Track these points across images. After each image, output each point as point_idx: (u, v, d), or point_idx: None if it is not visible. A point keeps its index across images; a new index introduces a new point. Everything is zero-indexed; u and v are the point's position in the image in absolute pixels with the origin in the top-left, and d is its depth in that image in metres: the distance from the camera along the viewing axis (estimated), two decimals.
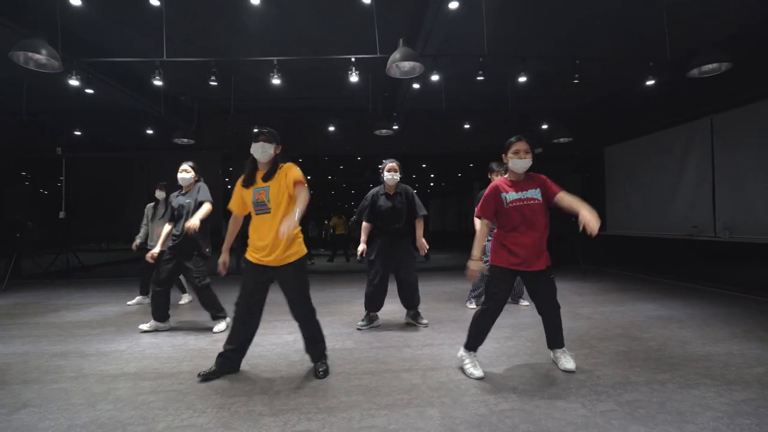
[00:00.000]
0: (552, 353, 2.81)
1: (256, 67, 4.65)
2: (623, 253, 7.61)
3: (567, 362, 2.67)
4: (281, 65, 4.06)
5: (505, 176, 2.76)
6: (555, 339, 2.74)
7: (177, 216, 3.78)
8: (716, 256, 5.65)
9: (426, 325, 3.86)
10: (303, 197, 2.46)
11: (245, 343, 2.73)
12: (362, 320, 3.86)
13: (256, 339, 3.52)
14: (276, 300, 2.77)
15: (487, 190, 2.73)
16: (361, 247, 3.71)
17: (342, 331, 3.78)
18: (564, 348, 2.75)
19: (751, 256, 5.26)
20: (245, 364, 2.87)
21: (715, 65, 4.06)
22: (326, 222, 16.54)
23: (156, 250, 3.87)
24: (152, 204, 5.15)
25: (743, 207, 5.32)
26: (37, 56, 3.62)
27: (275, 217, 2.51)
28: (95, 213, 7.84)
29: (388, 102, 6.68)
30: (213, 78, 4.18)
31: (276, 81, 4.13)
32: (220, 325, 3.84)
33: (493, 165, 4.39)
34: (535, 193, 2.62)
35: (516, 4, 4.03)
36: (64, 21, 3.89)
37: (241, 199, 2.67)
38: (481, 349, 3.01)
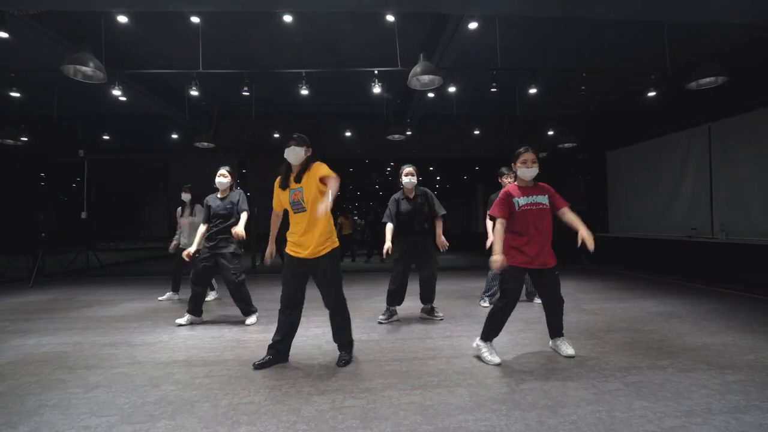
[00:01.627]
0: (552, 342, 3.11)
1: (281, 76, 4.94)
2: (625, 253, 7.91)
3: (567, 348, 2.99)
4: (306, 75, 4.35)
5: (515, 183, 3.02)
6: (556, 328, 3.05)
7: (213, 218, 4.05)
8: (714, 257, 5.95)
9: (441, 319, 4.14)
10: (333, 183, 2.66)
11: (291, 333, 2.99)
12: (383, 314, 4.14)
13: None
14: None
15: (500, 195, 2.99)
16: (387, 245, 3.95)
17: (365, 324, 4.05)
18: (563, 336, 3.06)
19: (747, 256, 5.56)
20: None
21: (711, 78, 4.36)
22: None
23: (192, 249, 4.14)
24: (180, 207, 5.42)
25: (739, 210, 5.63)
26: (84, 69, 3.91)
27: (311, 214, 2.77)
28: (116, 214, 8.11)
29: (400, 108, 6.98)
30: (245, 89, 4.47)
31: (304, 92, 4.42)
32: (252, 318, 4.12)
33: (504, 170, 4.66)
34: (543, 199, 2.91)
35: (527, 21, 4.33)
36: (106, 34, 4.17)
37: (278, 198, 2.96)
38: (496, 340, 3.28)
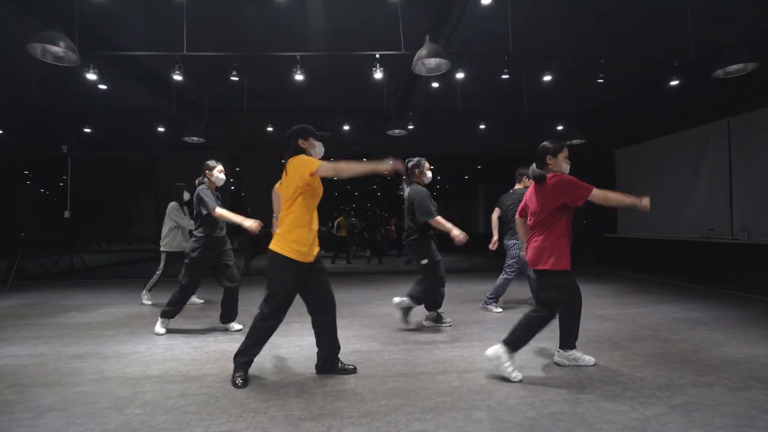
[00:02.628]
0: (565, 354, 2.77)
1: (274, 63, 4.58)
2: (635, 255, 7.57)
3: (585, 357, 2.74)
4: (301, 61, 3.98)
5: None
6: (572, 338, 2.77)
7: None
8: (734, 259, 5.61)
9: (450, 325, 3.80)
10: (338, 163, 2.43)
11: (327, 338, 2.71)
12: (433, 320, 3.82)
13: (279, 341, 3.47)
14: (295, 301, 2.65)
15: (573, 178, 2.58)
16: (457, 231, 3.51)
17: (364, 332, 3.69)
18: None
19: None
20: (273, 367, 2.79)
21: (740, 66, 4.03)
22: (330, 224, 16.44)
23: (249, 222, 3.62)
24: (177, 205, 5.02)
25: (762, 209, 5.30)
26: (54, 48, 3.53)
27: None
28: (102, 212, 7.70)
29: (401, 101, 6.63)
30: (234, 73, 4.11)
31: (299, 77, 4.05)
32: (238, 325, 3.78)
33: (524, 170, 4.29)
34: None
35: (540, 4, 4.00)
36: (80, 14, 3.80)
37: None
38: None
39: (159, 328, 3.71)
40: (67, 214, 7.28)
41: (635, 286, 5.97)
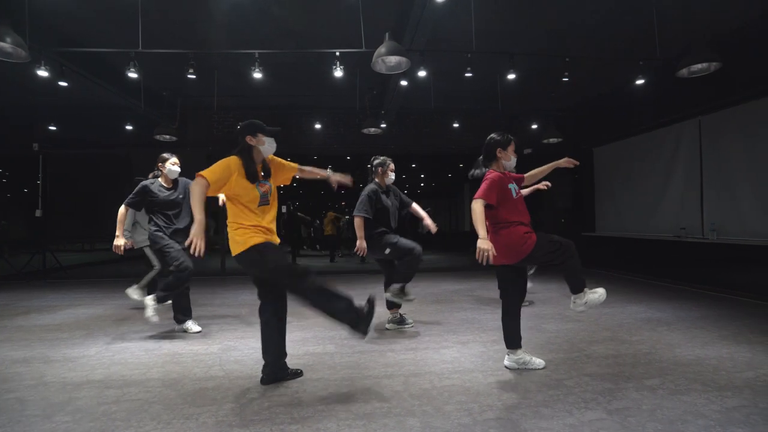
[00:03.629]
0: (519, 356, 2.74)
1: (239, 61, 4.49)
2: (611, 254, 7.59)
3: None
4: (264, 59, 3.90)
5: (495, 170, 2.70)
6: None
7: (162, 208, 3.58)
8: (704, 258, 5.63)
9: (412, 300, 3.67)
10: (310, 167, 2.80)
11: (283, 340, 2.59)
12: (396, 323, 3.76)
13: (234, 343, 3.41)
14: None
15: (492, 176, 2.57)
16: (363, 244, 3.53)
17: (324, 334, 3.63)
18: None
19: (739, 257, 5.25)
20: (219, 370, 2.75)
21: (704, 65, 4.02)
22: (317, 221, 16.41)
23: (122, 242, 3.62)
24: None
25: (731, 209, 5.32)
26: (1, 44, 3.43)
27: (272, 209, 2.58)
28: (73, 211, 7.56)
29: (376, 100, 6.57)
30: (191, 71, 4.01)
31: (257, 75, 3.97)
32: (194, 326, 3.71)
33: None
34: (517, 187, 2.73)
35: (504, 1, 3.95)
36: (31, 8, 3.68)
37: (230, 184, 2.39)
38: (466, 353, 2.95)
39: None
40: (38, 213, 7.14)
41: (608, 286, 5.83)
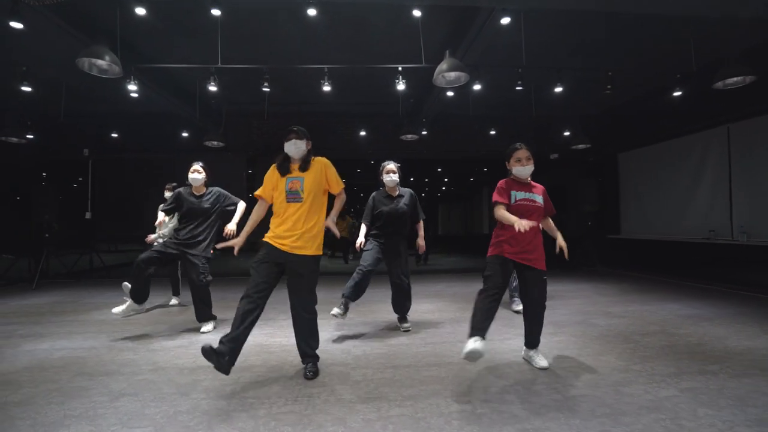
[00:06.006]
0: (525, 351, 2.90)
1: (294, 74, 4.81)
2: (638, 256, 7.84)
3: (541, 360, 2.77)
4: (327, 73, 4.22)
5: (509, 178, 2.84)
6: (534, 339, 2.82)
7: (186, 215, 3.83)
8: (734, 259, 5.88)
9: (408, 330, 3.75)
10: (341, 203, 2.85)
11: (247, 327, 2.55)
12: (339, 308, 3.56)
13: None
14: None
15: (499, 183, 2.80)
16: (360, 240, 3.73)
17: (368, 330, 3.91)
18: (538, 349, 2.84)
19: None
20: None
21: (739, 78, 4.30)
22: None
23: (155, 236, 3.98)
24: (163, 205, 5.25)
25: (761, 212, 5.56)
26: (99, 62, 3.77)
27: (305, 206, 2.64)
28: (121, 214, 7.92)
29: (412, 107, 6.88)
30: (266, 85, 4.34)
31: (327, 88, 4.30)
32: (209, 326, 3.90)
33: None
34: (539, 198, 2.79)
35: (552, 17, 4.25)
36: (121, 29, 4.03)
37: (272, 185, 2.73)
38: (512, 345, 3.00)
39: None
40: (88, 215, 7.50)
41: (639, 285, 6.23)
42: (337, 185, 2.80)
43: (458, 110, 6.79)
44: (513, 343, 3.37)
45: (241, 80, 5.34)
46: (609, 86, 4.77)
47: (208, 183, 3.94)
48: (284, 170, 2.72)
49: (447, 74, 3.93)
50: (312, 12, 3.53)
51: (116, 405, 2.30)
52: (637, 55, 5.13)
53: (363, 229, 3.80)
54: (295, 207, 2.65)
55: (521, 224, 2.37)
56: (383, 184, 3.77)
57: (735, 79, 4.33)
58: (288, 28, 4.25)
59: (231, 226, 3.74)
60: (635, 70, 5.23)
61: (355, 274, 3.64)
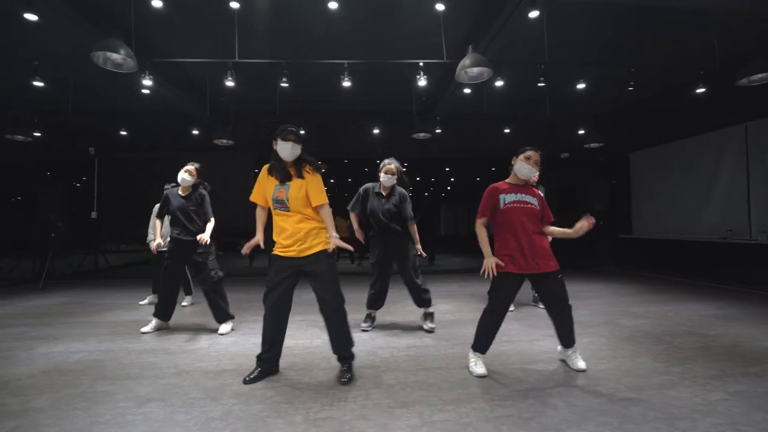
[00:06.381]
0: (562, 351, 2.80)
1: (306, 70, 4.70)
2: (651, 255, 7.76)
3: (579, 361, 2.68)
4: (347, 69, 4.12)
5: (506, 180, 2.75)
6: (568, 338, 2.72)
7: (173, 215, 3.75)
8: (753, 259, 5.81)
9: (431, 331, 3.72)
10: (329, 218, 2.62)
11: (279, 340, 2.70)
12: (365, 322, 3.79)
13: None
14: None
15: (485, 192, 2.71)
16: (357, 229, 3.72)
17: (412, 330, 3.83)
18: (575, 347, 2.74)
19: None
20: (325, 362, 2.86)
21: (765, 74, 4.23)
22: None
23: (156, 243, 3.88)
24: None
25: None
26: (114, 56, 3.67)
27: (294, 215, 2.56)
28: (125, 214, 7.81)
29: (424, 105, 6.80)
30: (284, 80, 4.24)
31: (346, 83, 4.21)
32: (227, 326, 3.80)
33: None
34: (533, 200, 2.64)
35: (574, 12, 4.17)
36: (135, 23, 3.93)
37: (262, 191, 2.67)
38: (544, 346, 3.02)
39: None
40: (93, 214, 7.38)
41: (655, 285, 6.16)
42: (317, 198, 2.56)
43: (471, 108, 6.70)
44: (542, 344, 3.29)
45: (253, 77, 5.24)
46: (631, 83, 4.71)
47: (196, 186, 3.85)
48: (282, 177, 2.58)
49: (470, 70, 3.85)
50: (333, 5, 3.44)
51: (144, 411, 2.21)
52: (656, 51, 5.04)
53: (352, 217, 3.75)
54: (284, 216, 2.57)
55: (489, 264, 2.53)
56: (378, 180, 3.68)
57: (760, 75, 4.26)
58: (304, 22, 4.16)
59: (205, 237, 3.65)
60: (654, 66, 5.14)
61: (370, 290, 3.75)
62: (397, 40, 4.60)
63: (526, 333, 3.63)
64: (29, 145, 6.38)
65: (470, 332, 3.67)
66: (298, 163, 2.62)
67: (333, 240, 2.57)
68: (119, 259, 11.04)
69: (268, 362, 2.68)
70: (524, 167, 2.65)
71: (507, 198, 2.62)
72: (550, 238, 2.83)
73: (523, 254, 2.55)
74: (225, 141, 6.58)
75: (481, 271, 2.57)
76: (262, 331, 2.68)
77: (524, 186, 2.71)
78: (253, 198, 2.73)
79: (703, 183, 6.67)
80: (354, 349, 2.72)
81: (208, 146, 6.61)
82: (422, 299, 3.76)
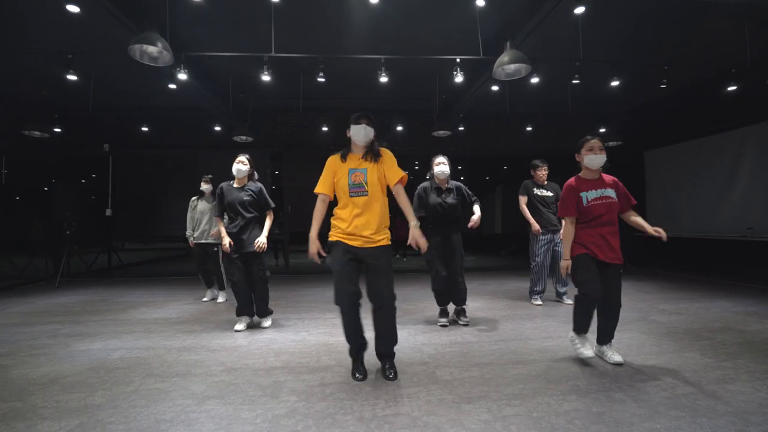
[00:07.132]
0: (597, 348, 2.83)
1: (334, 65, 4.66)
2: (668, 254, 7.76)
3: (614, 355, 2.72)
4: (384, 64, 4.08)
5: (579, 175, 2.81)
6: (608, 335, 2.77)
7: (232, 210, 3.69)
8: None
9: (467, 324, 3.79)
10: (406, 199, 2.58)
11: (361, 328, 2.62)
12: (442, 317, 3.82)
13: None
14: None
15: (564, 190, 2.79)
16: (422, 240, 3.64)
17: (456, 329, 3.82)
18: (611, 344, 2.80)
19: None
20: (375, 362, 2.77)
21: None
22: None
23: (227, 241, 3.75)
24: (196, 197, 5.13)
25: None
26: (151, 49, 3.62)
27: (372, 199, 2.51)
28: (140, 211, 7.74)
29: (444, 102, 6.77)
30: (321, 75, 4.20)
31: (384, 79, 4.18)
32: (268, 321, 3.89)
33: (537, 161, 4.60)
34: (611, 193, 2.72)
35: (608, 9, 4.15)
36: (164, 16, 3.87)
37: (332, 179, 2.58)
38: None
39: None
40: (108, 212, 7.31)
41: (677, 284, 6.17)
42: (395, 174, 2.54)
43: (490, 107, 6.69)
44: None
45: (276, 73, 5.17)
46: (664, 80, 4.71)
47: (252, 176, 3.83)
48: (346, 160, 2.58)
49: (507, 66, 3.83)
50: (374, 0, 3.41)
51: (206, 408, 2.18)
52: (685, 48, 5.02)
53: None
54: (361, 201, 2.51)
55: (566, 266, 2.77)
56: (433, 177, 3.72)
57: None
58: (337, 17, 4.12)
59: (262, 240, 3.63)
60: (685, 64, 5.12)
61: (435, 287, 3.75)
62: (425, 36, 4.57)
63: (565, 329, 3.62)
64: (45, 141, 6.30)
65: (506, 328, 3.71)
66: (372, 146, 2.61)
67: (413, 229, 2.52)
68: (135, 257, 10.97)
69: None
70: (595, 158, 2.71)
71: (589, 195, 2.69)
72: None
73: (598, 245, 2.66)
74: (244, 138, 6.54)
75: (562, 271, 2.79)
76: (344, 329, 2.58)
77: (599, 179, 2.76)
78: (319, 189, 2.61)
79: (722, 180, 6.68)
80: (395, 347, 2.69)
81: (226, 143, 6.55)
82: (462, 297, 3.80)
